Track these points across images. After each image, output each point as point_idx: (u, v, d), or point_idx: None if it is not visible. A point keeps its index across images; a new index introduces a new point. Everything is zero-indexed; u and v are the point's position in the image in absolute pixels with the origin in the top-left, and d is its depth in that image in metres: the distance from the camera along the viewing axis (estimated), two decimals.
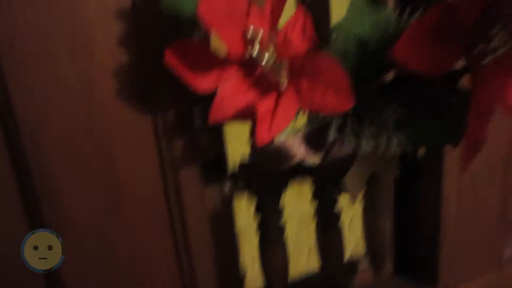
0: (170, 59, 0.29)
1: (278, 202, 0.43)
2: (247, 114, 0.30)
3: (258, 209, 0.43)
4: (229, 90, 0.30)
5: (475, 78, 0.31)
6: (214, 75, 0.30)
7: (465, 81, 0.33)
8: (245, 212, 0.59)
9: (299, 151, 0.32)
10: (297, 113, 0.29)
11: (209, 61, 0.29)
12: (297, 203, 0.43)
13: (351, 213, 0.72)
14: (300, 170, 0.36)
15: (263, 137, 0.29)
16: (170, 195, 0.42)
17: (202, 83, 0.30)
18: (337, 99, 0.28)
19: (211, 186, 0.44)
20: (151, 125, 0.38)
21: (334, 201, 0.43)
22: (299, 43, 0.29)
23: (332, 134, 0.32)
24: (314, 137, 0.33)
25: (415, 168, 0.61)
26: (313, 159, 0.34)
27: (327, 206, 0.43)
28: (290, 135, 0.33)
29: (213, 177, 0.43)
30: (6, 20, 0.32)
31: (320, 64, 0.28)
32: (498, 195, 0.63)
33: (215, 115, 0.31)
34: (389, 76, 0.32)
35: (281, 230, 0.44)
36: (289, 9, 0.30)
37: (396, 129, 0.32)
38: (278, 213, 0.43)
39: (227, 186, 0.42)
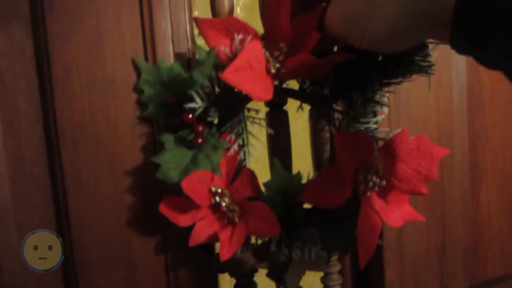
0: (162, 208, 0.45)
1: (250, 281, 0.53)
2: (214, 239, 0.46)
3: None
4: (202, 224, 0.46)
5: (362, 206, 0.47)
6: (191, 215, 0.46)
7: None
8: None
9: (251, 261, 0.48)
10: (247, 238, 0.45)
11: (187, 206, 0.46)
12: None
13: None
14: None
15: (224, 255, 0.45)
16: (169, 274, 0.52)
17: (183, 220, 0.46)
18: (269, 228, 0.44)
19: (201, 267, 0.53)
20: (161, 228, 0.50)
21: None
22: (245, 192, 0.46)
23: (272, 248, 0.47)
24: (261, 250, 0.48)
25: None
26: (261, 266, 0.49)
27: None
28: (244, 250, 0.48)
29: (203, 260, 0.53)
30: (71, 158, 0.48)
31: (258, 208, 0.45)
32: (437, 279, 0.72)
33: (193, 240, 0.46)
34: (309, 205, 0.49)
35: None
36: None
37: (315, 242, 0.47)
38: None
39: (213, 268, 0.53)
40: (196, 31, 0.48)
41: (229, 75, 0.39)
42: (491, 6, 0.27)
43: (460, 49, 0.32)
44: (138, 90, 0.48)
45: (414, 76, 0.44)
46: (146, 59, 0.48)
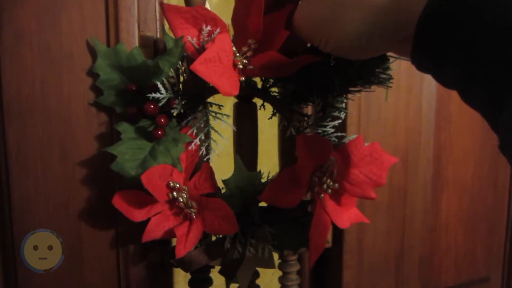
0: (116, 202, 0.43)
1: (206, 277, 0.52)
2: (169, 235, 0.45)
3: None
4: (157, 219, 0.44)
5: (316, 207, 0.48)
6: (146, 209, 0.44)
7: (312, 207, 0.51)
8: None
9: (204, 257, 0.47)
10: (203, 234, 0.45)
11: (143, 201, 0.44)
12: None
13: None
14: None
15: (181, 252, 0.43)
16: (120, 268, 0.49)
17: (138, 215, 0.44)
18: (227, 226, 0.44)
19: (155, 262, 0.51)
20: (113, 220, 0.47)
21: None
22: (203, 188, 0.45)
23: (226, 245, 0.47)
24: (215, 247, 0.48)
25: (323, 259, 0.70)
26: (215, 263, 0.49)
27: None
28: (198, 247, 0.47)
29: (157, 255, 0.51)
30: (17, 134, 0.43)
31: (216, 204, 0.44)
32: (392, 284, 0.74)
33: (147, 236, 0.44)
34: (264, 204, 0.49)
35: None
36: None
37: (268, 240, 0.48)
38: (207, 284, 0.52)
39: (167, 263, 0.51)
40: None
41: (199, 66, 0.38)
42: (451, 23, 0.29)
43: (420, 66, 0.34)
44: (93, 74, 0.45)
45: (373, 87, 0.46)
46: (107, 35, 0.45)
